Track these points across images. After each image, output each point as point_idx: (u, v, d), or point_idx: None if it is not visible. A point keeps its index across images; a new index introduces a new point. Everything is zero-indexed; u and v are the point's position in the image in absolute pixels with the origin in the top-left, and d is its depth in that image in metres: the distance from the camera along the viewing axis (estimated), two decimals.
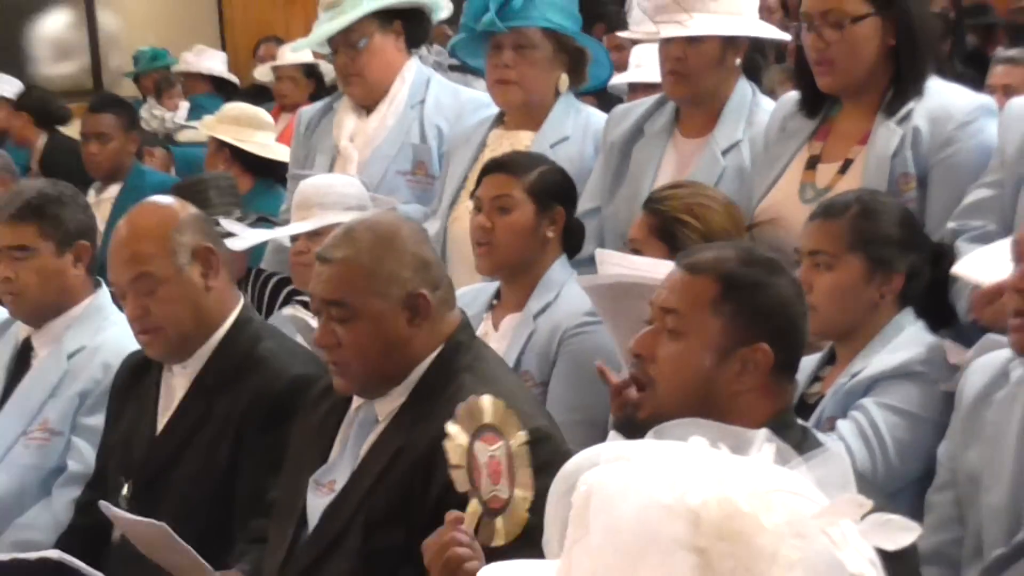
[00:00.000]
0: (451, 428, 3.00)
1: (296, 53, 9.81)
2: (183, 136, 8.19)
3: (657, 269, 3.82)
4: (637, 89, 6.63)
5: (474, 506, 2.98)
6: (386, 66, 5.57)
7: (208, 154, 7.48)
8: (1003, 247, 3.52)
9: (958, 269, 3.75)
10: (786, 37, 4.83)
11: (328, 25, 5.56)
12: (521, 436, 3.01)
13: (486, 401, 3.02)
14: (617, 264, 4.06)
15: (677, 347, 3.08)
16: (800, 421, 3.28)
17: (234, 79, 11.46)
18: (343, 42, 5.56)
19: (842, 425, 3.70)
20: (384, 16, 5.55)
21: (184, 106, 11.13)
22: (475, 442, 2.98)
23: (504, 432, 2.99)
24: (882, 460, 3.67)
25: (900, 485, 3.70)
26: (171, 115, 10.98)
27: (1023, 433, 3.40)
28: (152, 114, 10.93)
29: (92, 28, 12.95)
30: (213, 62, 11.30)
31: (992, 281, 3.56)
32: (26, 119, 9.82)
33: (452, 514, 2.99)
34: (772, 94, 4.63)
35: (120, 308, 4.77)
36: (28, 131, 9.78)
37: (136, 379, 4.18)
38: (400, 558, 3.32)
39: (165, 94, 11.48)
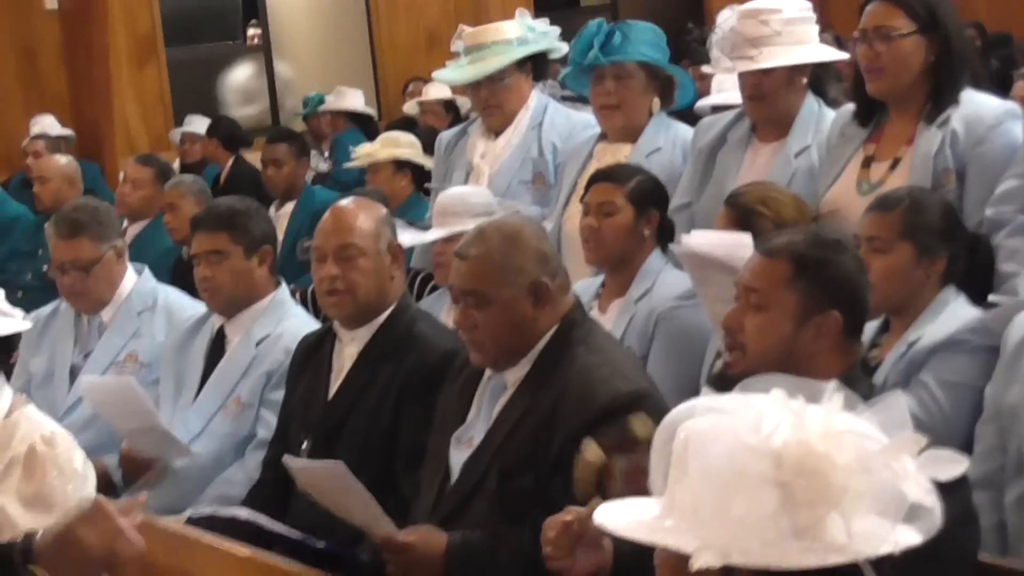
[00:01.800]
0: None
1: (438, 90, 9.88)
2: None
3: (729, 241, 3.84)
4: (719, 109, 6.58)
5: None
6: (519, 98, 5.55)
7: (373, 173, 7.46)
8: None
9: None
10: (844, 56, 4.75)
11: (481, 66, 5.50)
12: None
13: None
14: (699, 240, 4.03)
15: (761, 319, 3.06)
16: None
17: (371, 112, 11.36)
18: (488, 80, 5.52)
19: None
20: (522, 58, 5.54)
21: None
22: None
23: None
24: (943, 429, 3.56)
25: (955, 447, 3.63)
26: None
27: None
28: None
29: (271, 76, 13.05)
30: (354, 100, 11.17)
31: None
32: (216, 144, 9.98)
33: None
34: (834, 104, 4.56)
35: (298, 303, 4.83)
36: (219, 154, 9.95)
37: (312, 354, 4.17)
38: (531, 500, 3.29)
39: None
